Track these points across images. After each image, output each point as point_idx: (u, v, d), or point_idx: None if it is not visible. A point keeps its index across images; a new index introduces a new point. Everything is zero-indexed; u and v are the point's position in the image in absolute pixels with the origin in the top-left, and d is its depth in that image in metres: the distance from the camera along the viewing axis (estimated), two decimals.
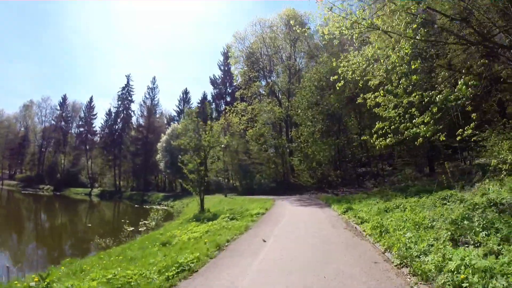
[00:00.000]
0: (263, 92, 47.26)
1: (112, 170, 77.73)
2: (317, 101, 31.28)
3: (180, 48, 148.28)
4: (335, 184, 33.34)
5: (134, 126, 76.93)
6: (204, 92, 79.58)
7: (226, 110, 48.37)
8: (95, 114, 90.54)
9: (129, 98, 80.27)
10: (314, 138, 32.07)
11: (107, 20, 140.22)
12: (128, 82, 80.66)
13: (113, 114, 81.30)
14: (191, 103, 77.84)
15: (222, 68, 73.50)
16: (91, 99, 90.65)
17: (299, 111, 33.38)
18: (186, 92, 79.15)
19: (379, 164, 33.81)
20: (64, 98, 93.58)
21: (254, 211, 19.47)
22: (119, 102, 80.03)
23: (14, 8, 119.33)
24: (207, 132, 24.55)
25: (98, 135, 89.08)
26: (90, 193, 72.71)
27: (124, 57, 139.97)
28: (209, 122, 26.37)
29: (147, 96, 77.13)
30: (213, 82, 73.68)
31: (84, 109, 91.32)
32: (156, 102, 78.39)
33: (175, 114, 78.74)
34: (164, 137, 58.71)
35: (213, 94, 73.42)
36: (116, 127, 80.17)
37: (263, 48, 46.81)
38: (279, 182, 40.50)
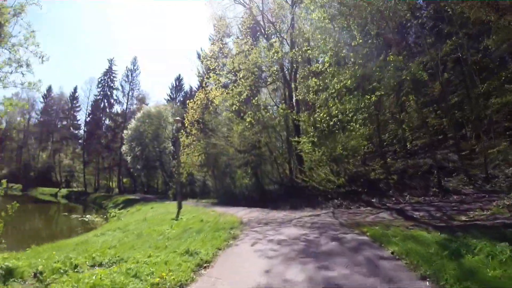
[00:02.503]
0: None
1: (92, 168, 61.48)
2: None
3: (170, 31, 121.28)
4: (382, 187, 15.78)
5: (112, 116, 59.98)
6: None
7: (205, 81, 30.65)
8: (79, 106, 73.63)
9: (111, 84, 63.74)
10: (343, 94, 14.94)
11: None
12: (110, 66, 64.54)
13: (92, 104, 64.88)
14: (184, 90, 61.45)
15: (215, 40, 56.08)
16: (75, 89, 73.62)
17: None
18: (179, 79, 62.59)
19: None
20: (49, 90, 77.05)
21: None
22: (99, 89, 63.59)
23: None
24: None
25: (82, 129, 72.68)
26: (56, 194, 56.63)
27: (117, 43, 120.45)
28: None
29: (126, 79, 60.31)
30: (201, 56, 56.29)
31: (67, 100, 74.86)
32: (136, 86, 61.45)
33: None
34: (132, 123, 41.86)
35: (203, 71, 55.84)
36: (95, 117, 63.53)
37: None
38: (279, 184, 23.22)
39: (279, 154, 22.59)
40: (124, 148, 43.35)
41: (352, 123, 15.84)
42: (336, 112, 16.54)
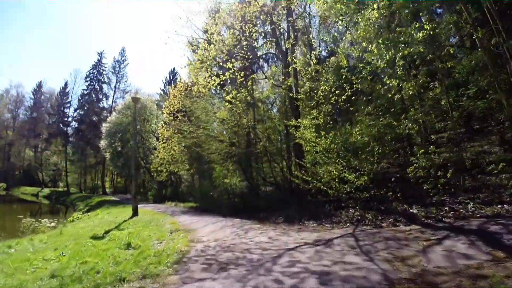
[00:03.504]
0: None
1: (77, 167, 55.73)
2: None
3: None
4: (427, 190, 9.81)
5: (96, 110, 54.15)
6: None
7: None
8: (69, 102, 67.71)
9: (100, 78, 57.98)
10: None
11: None
12: (100, 59, 58.88)
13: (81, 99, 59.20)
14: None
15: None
16: (65, 84, 67.74)
17: None
18: (173, 73, 56.80)
19: None
20: (39, 85, 71.54)
21: None
22: (87, 83, 57.94)
23: None
24: None
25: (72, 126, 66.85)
26: (37, 194, 51.32)
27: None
28: None
29: (113, 71, 54.69)
30: (192, 43, 50.51)
31: (57, 96, 69.06)
32: (123, 78, 55.81)
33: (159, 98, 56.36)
34: (113, 115, 36.19)
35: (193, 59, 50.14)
36: (81, 112, 57.85)
37: None
38: (272, 185, 17.39)
39: (271, 145, 16.77)
40: (102, 143, 37.54)
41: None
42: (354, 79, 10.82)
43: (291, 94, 14.59)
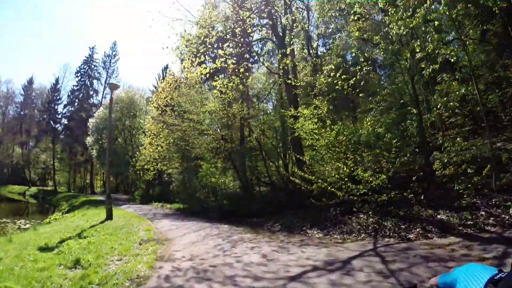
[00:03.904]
0: None
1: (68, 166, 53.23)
2: None
3: None
4: (450, 191, 7.89)
5: (85, 106, 51.63)
6: None
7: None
8: (60, 99, 64.88)
9: (91, 73, 55.51)
10: None
11: None
12: (91, 55, 56.23)
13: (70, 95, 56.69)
14: None
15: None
16: (56, 80, 64.48)
17: None
18: (166, 69, 54.09)
19: None
20: (30, 81, 68.70)
21: None
22: (77, 79, 55.47)
23: None
24: None
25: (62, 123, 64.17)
26: (24, 193, 48.97)
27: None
28: None
29: (103, 66, 52.37)
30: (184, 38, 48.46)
31: (48, 92, 66.30)
32: (114, 73, 53.49)
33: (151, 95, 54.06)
34: (100, 110, 34.04)
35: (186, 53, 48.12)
36: (71, 109, 55.40)
37: None
38: (268, 185, 15.38)
39: (266, 140, 14.78)
40: (88, 139, 35.28)
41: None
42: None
43: (288, 81, 12.60)
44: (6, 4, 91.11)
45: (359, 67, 9.16)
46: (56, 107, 63.94)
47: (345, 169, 8.42)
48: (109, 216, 12.93)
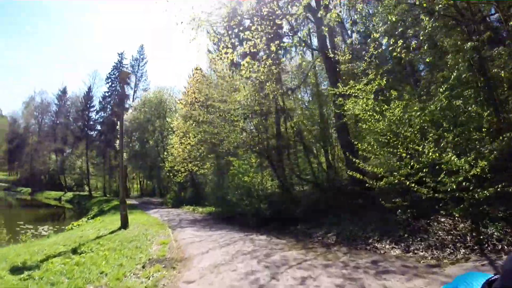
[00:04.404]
0: None
1: (102, 170, 53.45)
2: None
3: None
4: None
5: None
6: None
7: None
8: (94, 106, 65.75)
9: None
10: None
11: None
12: (120, 60, 56.38)
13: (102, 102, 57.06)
14: None
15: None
16: (89, 88, 65.60)
17: None
18: (196, 70, 53.30)
19: None
20: (64, 91, 70.29)
21: None
22: (108, 85, 55.70)
23: None
24: None
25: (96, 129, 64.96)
26: (60, 198, 49.84)
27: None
28: None
29: (132, 70, 51.97)
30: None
31: (81, 100, 67.37)
32: (143, 77, 53.08)
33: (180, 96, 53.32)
34: (129, 112, 33.22)
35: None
36: (104, 114, 55.74)
37: None
38: (311, 183, 13.26)
39: (305, 130, 12.71)
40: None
41: None
42: None
43: (330, 56, 10.51)
44: (35, 19, 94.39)
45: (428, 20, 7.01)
46: (89, 114, 64.88)
47: (429, 154, 6.13)
48: (124, 225, 11.31)
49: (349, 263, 5.50)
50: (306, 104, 16.20)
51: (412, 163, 6.39)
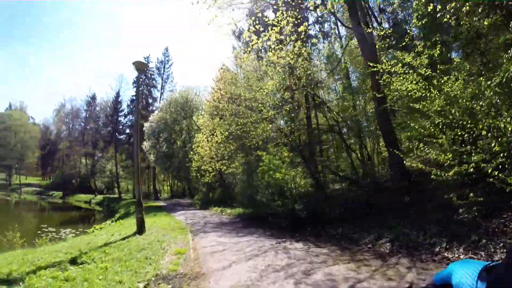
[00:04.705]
0: None
1: (131, 173, 53.98)
2: None
3: None
4: None
5: (143, 113, 51.65)
6: None
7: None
8: (122, 110, 66.87)
9: (148, 82, 55.91)
10: None
11: None
12: (147, 63, 56.64)
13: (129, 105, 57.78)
14: None
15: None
16: (117, 93, 66.88)
17: None
18: (222, 69, 53.03)
19: None
20: (93, 97, 72.17)
21: None
22: (136, 89, 56.24)
23: None
24: None
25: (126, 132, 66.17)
26: (90, 201, 51.05)
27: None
28: None
29: (157, 72, 52.15)
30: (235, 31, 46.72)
31: (110, 105, 68.73)
32: (169, 78, 53.17)
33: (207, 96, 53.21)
34: (155, 113, 33.04)
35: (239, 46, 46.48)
36: (132, 118, 56.35)
37: None
38: (348, 181, 12.07)
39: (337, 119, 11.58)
40: (145, 144, 34.24)
41: None
42: None
43: (369, 30, 9.34)
44: (64, 30, 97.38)
45: None
46: (118, 118, 65.99)
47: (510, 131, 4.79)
48: (139, 230, 10.39)
49: (419, 283, 4.22)
50: (340, 94, 15.04)
51: (493, 144, 5.08)
